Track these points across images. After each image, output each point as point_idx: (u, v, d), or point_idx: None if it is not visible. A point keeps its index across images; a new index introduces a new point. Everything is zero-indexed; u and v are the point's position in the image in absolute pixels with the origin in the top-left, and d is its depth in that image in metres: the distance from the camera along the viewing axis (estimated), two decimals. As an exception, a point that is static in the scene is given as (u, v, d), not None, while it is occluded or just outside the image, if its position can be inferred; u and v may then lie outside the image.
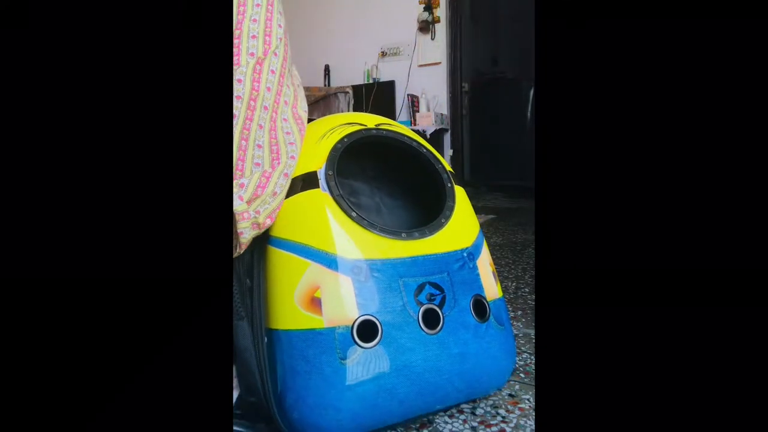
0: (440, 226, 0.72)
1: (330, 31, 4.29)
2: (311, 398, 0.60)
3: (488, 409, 0.78)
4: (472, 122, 4.00)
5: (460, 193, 0.79)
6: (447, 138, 4.01)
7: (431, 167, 0.81)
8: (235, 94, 0.60)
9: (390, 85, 4.07)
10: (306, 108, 0.74)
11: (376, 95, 4.01)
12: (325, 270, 0.63)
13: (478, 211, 0.81)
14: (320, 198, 0.67)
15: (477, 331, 0.67)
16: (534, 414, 0.76)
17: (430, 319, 0.65)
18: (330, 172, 0.70)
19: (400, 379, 0.62)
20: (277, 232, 0.66)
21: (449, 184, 0.78)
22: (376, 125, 0.81)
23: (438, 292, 0.66)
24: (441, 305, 0.66)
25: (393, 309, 0.63)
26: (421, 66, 4.02)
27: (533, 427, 0.73)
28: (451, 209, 0.75)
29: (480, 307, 0.69)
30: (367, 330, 0.61)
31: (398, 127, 0.85)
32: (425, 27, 3.95)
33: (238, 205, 0.60)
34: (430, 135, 3.58)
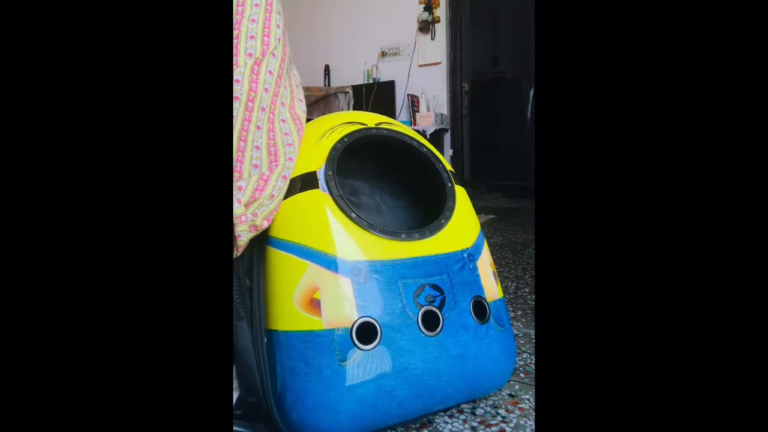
0: (440, 226, 0.71)
1: (330, 31, 4.29)
2: (310, 399, 0.60)
3: (488, 409, 0.78)
4: (472, 122, 4.00)
5: (460, 193, 0.79)
6: (447, 138, 4.01)
7: (432, 167, 0.80)
8: (233, 95, 0.60)
9: (390, 85, 4.07)
10: (305, 109, 0.74)
11: (376, 95, 4.01)
12: (325, 271, 0.63)
13: (478, 211, 0.81)
14: (320, 198, 0.67)
15: (477, 333, 0.67)
16: (534, 414, 0.76)
17: (430, 321, 0.64)
18: (330, 173, 0.69)
19: (399, 381, 0.61)
20: (276, 233, 0.66)
21: (449, 184, 0.78)
22: (376, 124, 0.81)
23: (437, 293, 0.66)
24: (440, 307, 0.66)
25: (392, 311, 0.63)
26: (421, 66, 4.01)
27: (533, 427, 0.73)
28: (452, 209, 0.75)
29: (480, 308, 0.69)
30: (366, 332, 0.61)
31: (399, 126, 0.85)
32: (425, 27, 3.95)
33: (236, 209, 0.60)
34: (430, 135, 3.58)
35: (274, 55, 0.64)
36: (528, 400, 0.81)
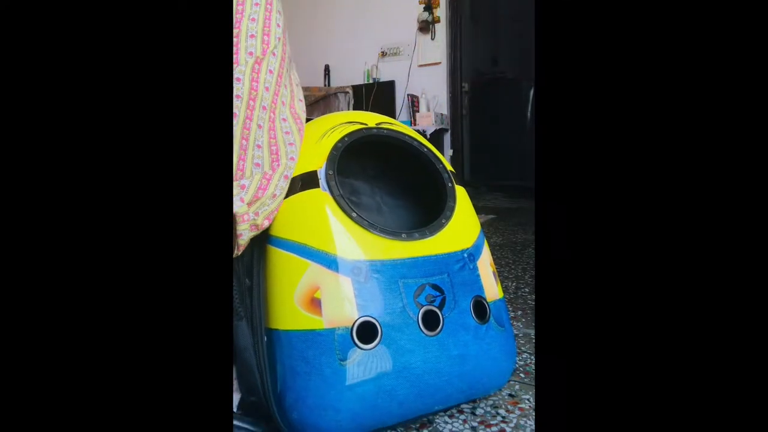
0: (441, 226, 0.72)
1: (330, 31, 4.29)
2: (311, 399, 0.60)
3: (488, 409, 0.78)
4: (472, 122, 4.00)
5: (461, 193, 0.79)
6: (447, 138, 4.01)
7: (432, 167, 0.80)
8: (234, 93, 0.60)
9: (390, 85, 4.07)
10: (304, 108, 0.74)
11: (376, 95, 4.01)
12: (325, 270, 0.63)
13: (478, 211, 0.81)
14: (320, 198, 0.67)
15: (477, 333, 0.67)
16: (534, 414, 0.76)
17: (430, 321, 0.64)
18: (330, 172, 0.69)
19: (399, 380, 0.61)
20: (277, 232, 0.66)
21: (450, 184, 0.78)
22: (376, 124, 0.81)
23: (438, 293, 0.66)
24: (441, 307, 0.66)
25: (393, 310, 0.63)
26: (421, 66, 4.01)
27: (533, 427, 0.73)
28: (452, 209, 0.75)
29: (480, 308, 0.69)
30: (366, 331, 0.61)
31: (399, 126, 0.85)
32: (425, 27, 3.95)
33: (238, 207, 0.59)
34: (430, 135, 3.58)
35: (274, 54, 0.64)
36: (528, 400, 0.81)
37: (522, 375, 0.89)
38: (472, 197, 0.81)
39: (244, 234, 0.62)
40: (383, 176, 0.93)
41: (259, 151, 0.62)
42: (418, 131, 0.91)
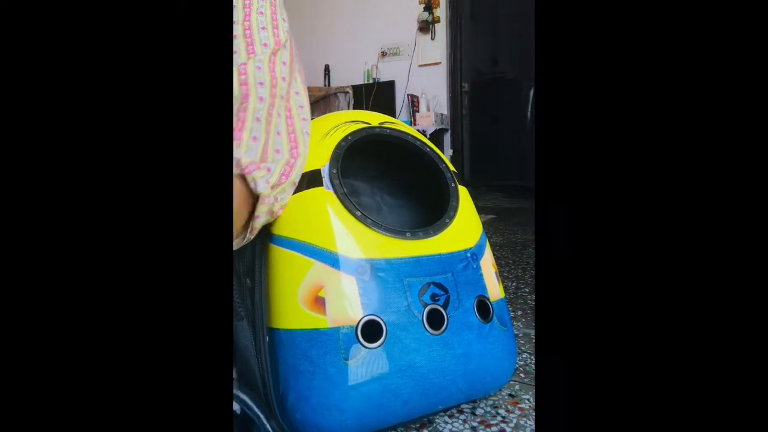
0: (444, 226, 0.72)
1: (330, 31, 4.29)
2: (315, 398, 0.60)
3: (488, 409, 0.78)
4: (472, 122, 4.00)
5: (463, 193, 0.79)
6: (447, 138, 4.01)
7: (435, 167, 0.80)
8: (257, 81, 0.59)
9: (390, 85, 4.07)
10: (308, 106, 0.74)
11: (376, 95, 4.02)
12: (330, 269, 0.63)
13: (478, 211, 0.81)
14: (324, 196, 0.67)
15: (481, 332, 0.67)
16: (534, 414, 0.76)
17: (435, 320, 0.64)
18: (334, 171, 0.69)
19: (404, 379, 0.61)
20: (280, 231, 0.66)
21: (453, 184, 0.78)
22: (379, 123, 0.81)
23: (442, 292, 0.66)
24: (445, 306, 0.66)
25: (397, 309, 0.63)
26: (421, 66, 4.02)
27: (533, 427, 0.73)
28: (455, 209, 0.75)
29: (483, 307, 0.69)
30: (371, 330, 0.61)
31: (402, 126, 0.85)
32: (425, 27, 3.95)
33: (263, 188, 0.59)
34: (430, 135, 3.58)
35: (285, 47, 0.65)
36: (528, 400, 0.81)
37: (522, 375, 0.89)
38: (472, 197, 0.81)
39: (262, 216, 0.61)
40: (384, 176, 0.93)
41: (278, 138, 0.62)
42: (418, 131, 0.91)
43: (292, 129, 0.64)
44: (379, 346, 0.61)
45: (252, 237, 0.63)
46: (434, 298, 0.65)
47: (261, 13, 0.63)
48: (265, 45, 0.62)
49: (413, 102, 3.90)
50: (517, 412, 0.77)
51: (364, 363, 0.60)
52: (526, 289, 1.43)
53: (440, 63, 3.97)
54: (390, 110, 3.94)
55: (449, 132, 3.99)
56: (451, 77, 3.97)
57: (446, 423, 0.74)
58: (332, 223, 0.65)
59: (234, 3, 0.62)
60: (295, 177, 0.62)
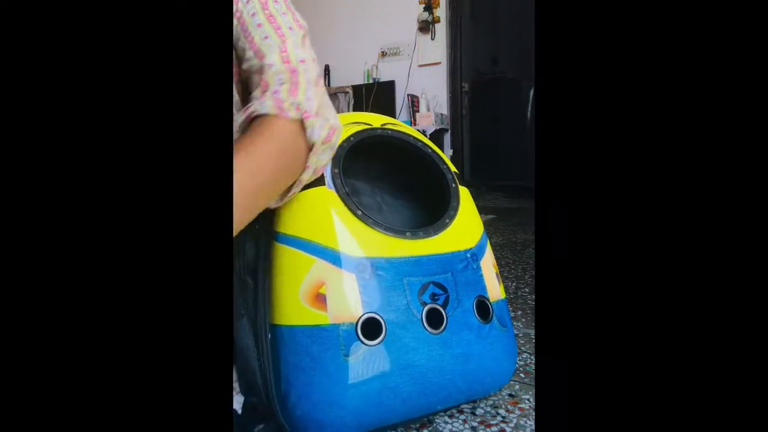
0: (444, 226, 0.72)
1: (330, 31, 4.29)
2: (315, 394, 0.60)
3: (488, 409, 0.78)
4: (472, 122, 4.00)
5: (464, 193, 0.79)
6: (447, 138, 4.01)
7: (436, 168, 0.81)
8: (298, 59, 0.62)
9: (390, 85, 4.07)
10: None
11: (376, 95, 4.02)
12: (331, 267, 0.63)
13: (478, 211, 0.81)
14: (326, 195, 0.68)
15: (480, 332, 0.68)
16: (534, 414, 0.76)
17: (434, 319, 0.65)
18: (336, 170, 0.70)
19: (403, 378, 0.62)
20: (283, 229, 0.67)
21: (453, 185, 0.79)
22: (381, 125, 0.81)
23: (441, 292, 0.67)
24: (444, 305, 0.66)
25: (397, 308, 0.63)
26: (421, 66, 4.02)
27: (533, 427, 0.73)
28: (456, 209, 0.75)
29: (483, 308, 0.69)
30: (371, 328, 0.62)
31: (403, 127, 0.85)
32: (425, 27, 3.95)
33: (318, 136, 0.60)
34: (430, 135, 3.59)
35: (307, 32, 0.68)
36: (528, 400, 0.81)
37: (522, 375, 0.89)
38: (472, 197, 0.81)
39: (310, 168, 0.61)
40: (385, 176, 0.93)
41: (326, 102, 0.64)
42: (418, 131, 0.91)
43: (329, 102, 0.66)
44: (378, 343, 0.61)
45: (297, 191, 0.64)
46: (434, 297, 0.66)
47: (276, 1, 0.67)
48: (291, 29, 0.65)
49: (413, 102, 3.90)
50: (517, 412, 0.77)
51: (364, 360, 0.60)
52: (526, 289, 1.43)
53: (440, 63, 3.97)
54: (390, 110, 3.94)
55: (449, 132, 3.99)
56: (451, 77, 3.97)
57: (446, 423, 0.74)
58: (334, 221, 0.66)
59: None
60: (335, 142, 0.64)
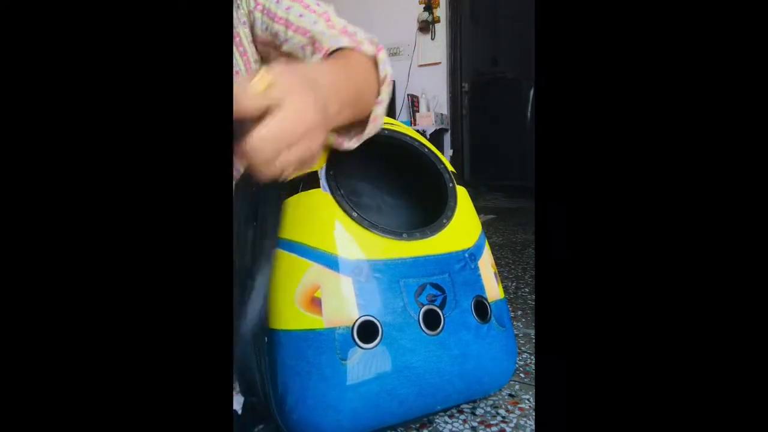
0: (441, 226, 0.72)
1: (330, 31, 4.28)
2: (311, 398, 0.60)
3: (488, 409, 0.78)
4: (472, 122, 4.00)
5: (462, 193, 0.79)
6: (447, 138, 4.01)
7: (434, 167, 0.81)
8: (336, 45, 0.63)
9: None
10: None
11: (376, 95, 4.00)
12: (326, 270, 0.63)
13: (478, 211, 0.81)
14: (321, 198, 0.67)
15: (478, 333, 0.67)
16: (534, 414, 0.76)
17: (431, 320, 0.64)
18: (331, 172, 0.69)
19: (400, 380, 0.61)
20: (279, 233, 0.66)
21: (451, 185, 0.78)
22: (379, 125, 0.81)
23: (439, 292, 0.66)
24: (442, 306, 0.66)
25: (393, 310, 0.63)
26: (421, 66, 4.01)
27: (533, 427, 0.73)
28: (453, 209, 0.75)
29: (481, 308, 0.69)
30: (367, 330, 0.61)
31: (401, 127, 0.85)
32: (425, 27, 3.95)
33: (389, 68, 0.62)
34: (430, 135, 3.58)
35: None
36: (528, 400, 0.81)
37: (522, 375, 0.89)
38: (472, 197, 0.81)
39: (384, 102, 0.63)
40: (384, 177, 0.93)
41: None
42: (418, 131, 0.91)
43: None
44: (375, 346, 0.61)
45: (375, 128, 0.64)
46: (431, 298, 0.65)
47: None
48: (318, 4, 0.69)
49: (413, 102, 3.90)
50: (517, 412, 0.77)
51: (360, 363, 0.60)
52: (526, 289, 1.43)
53: (440, 63, 3.97)
54: (390, 110, 3.93)
55: (449, 132, 3.99)
56: (451, 77, 3.97)
57: (446, 423, 0.74)
58: (329, 224, 0.65)
59: None
60: (386, 95, 0.65)
